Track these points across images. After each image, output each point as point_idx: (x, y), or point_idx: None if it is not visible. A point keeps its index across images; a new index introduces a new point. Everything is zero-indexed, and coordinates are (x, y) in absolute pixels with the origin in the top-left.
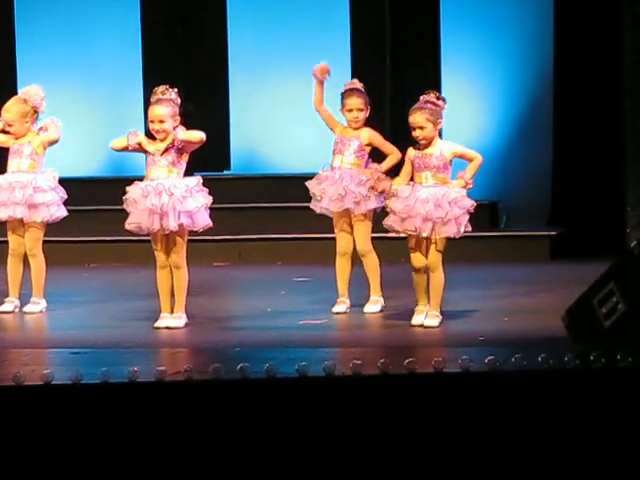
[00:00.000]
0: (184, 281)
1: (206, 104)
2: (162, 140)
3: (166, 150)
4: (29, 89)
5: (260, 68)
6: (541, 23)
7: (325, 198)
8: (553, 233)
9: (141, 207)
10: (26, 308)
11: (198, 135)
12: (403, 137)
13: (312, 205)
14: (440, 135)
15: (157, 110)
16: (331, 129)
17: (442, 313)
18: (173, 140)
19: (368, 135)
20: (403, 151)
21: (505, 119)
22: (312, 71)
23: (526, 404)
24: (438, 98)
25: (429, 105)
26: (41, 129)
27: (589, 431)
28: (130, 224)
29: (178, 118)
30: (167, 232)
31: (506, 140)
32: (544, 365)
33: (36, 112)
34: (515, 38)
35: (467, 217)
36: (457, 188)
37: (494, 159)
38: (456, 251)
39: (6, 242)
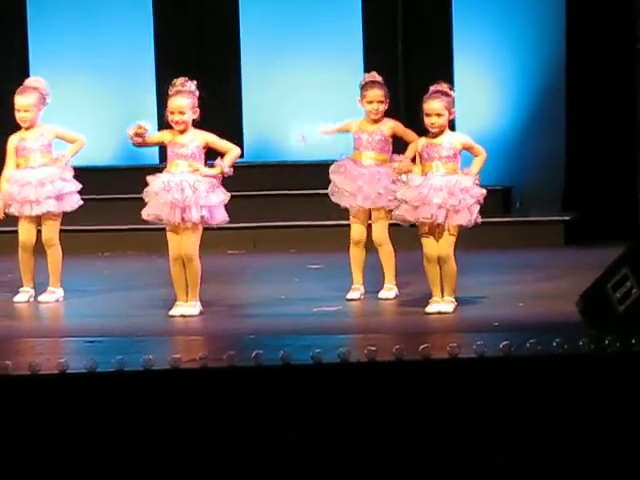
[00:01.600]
0: (197, 273)
1: (218, 93)
2: (181, 132)
3: (185, 144)
4: (36, 79)
5: (272, 56)
6: (553, 9)
7: (360, 195)
8: (567, 218)
9: (162, 200)
10: (41, 297)
11: (237, 153)
12: (417, 127)
13: (339, 200)
14: (452, 126)
15: (177, 101)
16: (347, 130)
17: (456, 299)
18: (221, 171)
19: (391, 125)
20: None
21: (518, 105)
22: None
23: (541, 389)
24: (450, 88)
25: (444, 94)
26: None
27: (604, 415)
28: (149, 214)
29: (197, 110)
30: (188, 224)
31: (519, 126)
32: (559, 350)
33: (45, 102)
34: (527, 24)
35: (477, 207)
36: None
37: (508, 145)
38: (470, 237)
39: (11, 232)
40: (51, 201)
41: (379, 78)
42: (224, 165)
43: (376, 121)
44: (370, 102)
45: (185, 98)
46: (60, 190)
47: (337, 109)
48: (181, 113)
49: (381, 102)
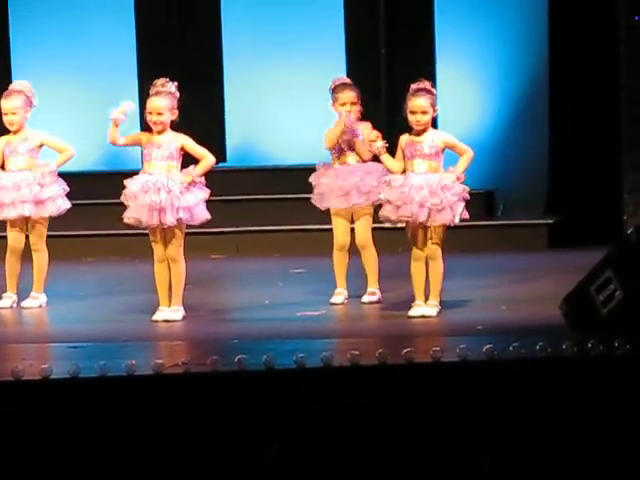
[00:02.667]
0: (182, 274)
1: (201, 97)
2: (159, 132)
3: (162, 145)
4: (20, 83)
5: (254, 59)
6: (536, 11)
7: (353, 191)
8: (550, 221)
9: (141, 202)
10: (24, 303)
11: (211, 162)
12: (398, 128)
13: (327, 201)
14: (434, 126)
15: (156, 102)
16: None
17: (440, 303)
18: (192, 180)
19: (367, 126)
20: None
21: (501, 107)
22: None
23: (524, 392)
24: (432, 86)
25: (428, 92)
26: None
27: (587, 418)
28: (129, 218)
29: (176, 111)
30: (165, 227)
31: (502, 129)
32: (542, 353)
33: (31, 105)
34: (510, 27)
35: (462, 204)
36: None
37: (490, 148)
38: (453, 240)
39: (1, 238)
40: (27, 205)
41: (349, 80)
42: (195, 175)
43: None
44: (343, 104)
45: (164, 99)
46: (37, 195)
47: (320, 111)
48: (159, 114)
49: (354, 103)
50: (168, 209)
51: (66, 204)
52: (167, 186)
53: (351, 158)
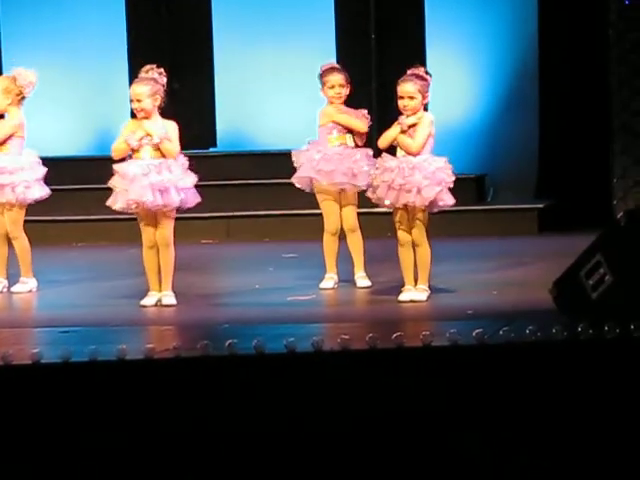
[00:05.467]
0: (171, 259)
1: (191, 82)
2: (144, 119)
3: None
4: (22, 70)
5: (244, 45)
6: None
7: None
8: (540, 206)
9: (144, 183)
10: (14, 288)
11: (175, 152)
12: (389, 114)
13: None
14: (426, 110)
15: (136, 89)
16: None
17: (430, 287)
18: (156, 142)
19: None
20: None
21: (491, 93)
22: None
23: (515, 376)
24: (426, 72)
25: (418, 78)
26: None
27: (578, 402)
28: (129, 200)
29: (159, 98)
30: (168, 208)
31: (492, 114)
32: (532, 337)
33: (21, 94)
34: (501, 13)
35: (437, 189)
36: (437, 159)
37: (481, 133)
38: (444, 225)
39: None
40: None
41: (337, 65)
42: (162, 141)
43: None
44: (332, 87)
45: (144, 85)
46: (1, 182)
47: (310, 98)
48: (138, 100)
49: (342, 86)
50: (172, 189)
51: (36, 192)
52: (170, 167)
53: (349, 140)
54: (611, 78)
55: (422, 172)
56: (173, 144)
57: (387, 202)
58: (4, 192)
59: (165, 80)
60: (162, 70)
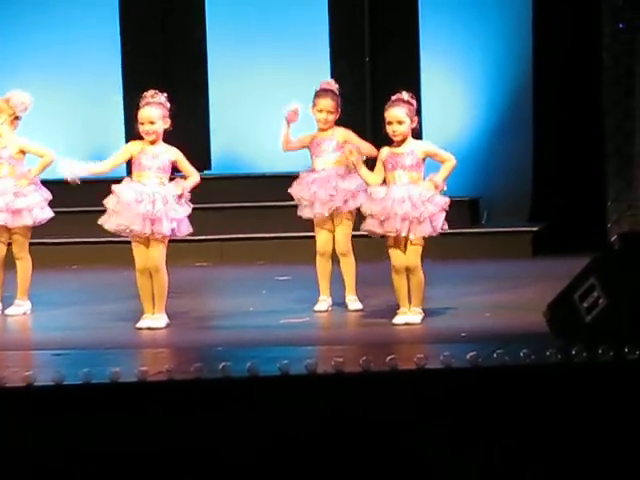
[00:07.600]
0: (164, 283)
1: (186, 105)
2: (152, 142)
3: (158, 156)
4: (17, 93)
5: (239, 67)
6: (521, 18)
7: (316, 202)
8: (534, 229)
9: (134, 211)
10: (9, 310)
11: (197, 180)
12: (382, 136)
13: (301, 212)
14: (419, 136)
15: (147, 112)
16: (307, 147)
17: (424, 310)
18: (182, 192)
19: (343, 133)
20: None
21: (485, 115)
22: (283, 113)
23: (508, 399)
24: (411, 97)
25: (405, 102)
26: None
27: (571, 426)
28: (119, 225)
29: (168, 120)
30: (158, 236)
31: (486, 136)
32: (526, 360)
33: (14, 115)
34: (495, 33)
35: (443, 215)
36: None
37: (475, 155)
38: (438, 248)
39: None
40: (2, 215)
41: (334, 87)
42: (186, 188)
43: (324, 130)
44: (320, 111)
45: (155, 108)
46: (10, 205)
47: (305, 119)
48: (151, 123)
49: (331, 112)
50: (164, 219)
51: (45, 214)
52: (165, 198)
53: (319, 163)
54: (605, 100)
55: (432, 202)
56: (188, 172)
57: (404, 234)
58: (22, 216)
59: (169, 105)
60: (166, 94)
